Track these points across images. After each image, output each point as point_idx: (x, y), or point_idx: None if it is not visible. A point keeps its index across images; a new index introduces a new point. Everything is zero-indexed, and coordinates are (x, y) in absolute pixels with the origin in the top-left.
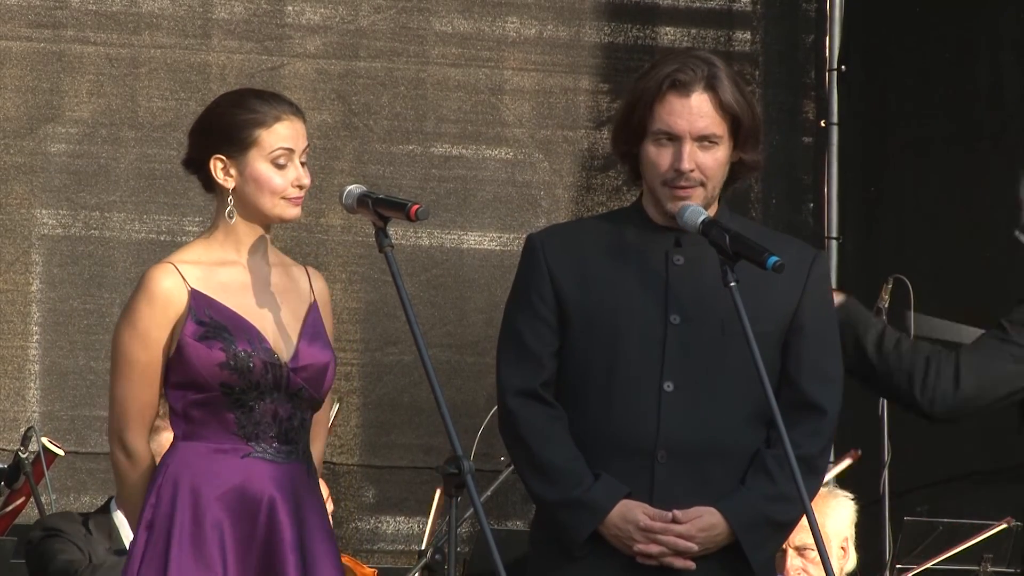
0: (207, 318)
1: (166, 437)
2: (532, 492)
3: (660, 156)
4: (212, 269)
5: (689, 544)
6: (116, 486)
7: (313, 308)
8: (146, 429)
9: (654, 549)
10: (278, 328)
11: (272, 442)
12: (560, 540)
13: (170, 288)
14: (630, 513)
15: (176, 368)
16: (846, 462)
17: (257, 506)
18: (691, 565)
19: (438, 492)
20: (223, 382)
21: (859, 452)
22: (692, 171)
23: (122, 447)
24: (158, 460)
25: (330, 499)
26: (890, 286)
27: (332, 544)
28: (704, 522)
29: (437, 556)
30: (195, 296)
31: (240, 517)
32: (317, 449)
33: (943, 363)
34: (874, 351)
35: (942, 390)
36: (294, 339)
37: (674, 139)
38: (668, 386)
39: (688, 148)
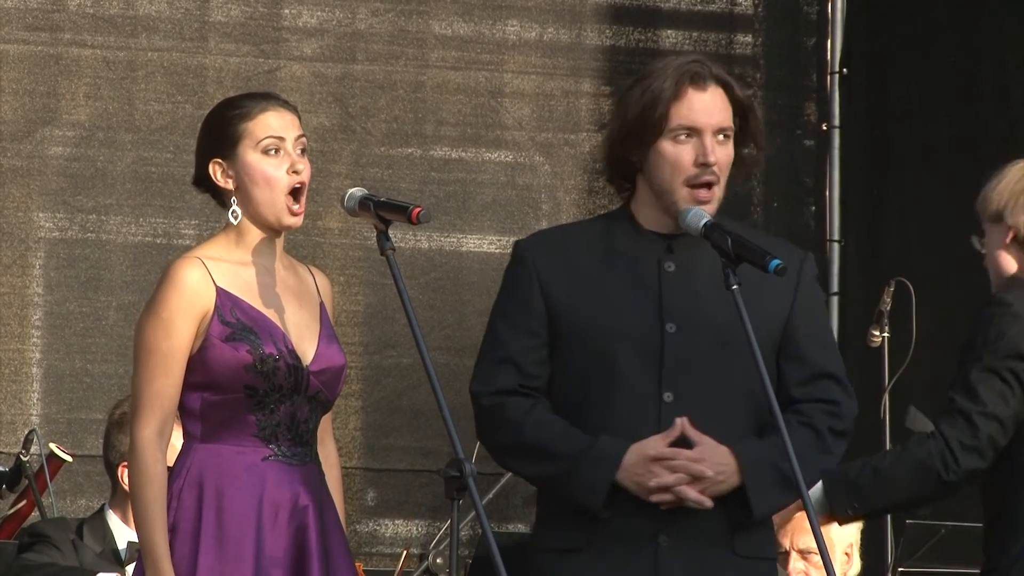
0: (233, 318)
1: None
2: (531, 475)
3: (682, 153)
4: (235, 268)
5: (703, 468)
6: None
7: (323, 309)
8: (157, 421)
9: (669, 479)
10: (300, 330)
11: (288, 444)
12: (580, 507)
13: (197, 281)
14: (642, 449)
15: (197, 368)
16: None
17: (281, 508)
18: (708, 502)
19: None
20: (248, 384)
21: None
22: (715, 164)
23: (131, 438)
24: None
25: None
26: (892, 289)
27: (347, 546)
28: (716, 450)
29: (438, 559)
30: (222, 294)
31: (267, 519)
32: (330, 446)
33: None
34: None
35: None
36: (314, 341)
37: (693, 134)
38: (668, 397)
39: (710, 142)
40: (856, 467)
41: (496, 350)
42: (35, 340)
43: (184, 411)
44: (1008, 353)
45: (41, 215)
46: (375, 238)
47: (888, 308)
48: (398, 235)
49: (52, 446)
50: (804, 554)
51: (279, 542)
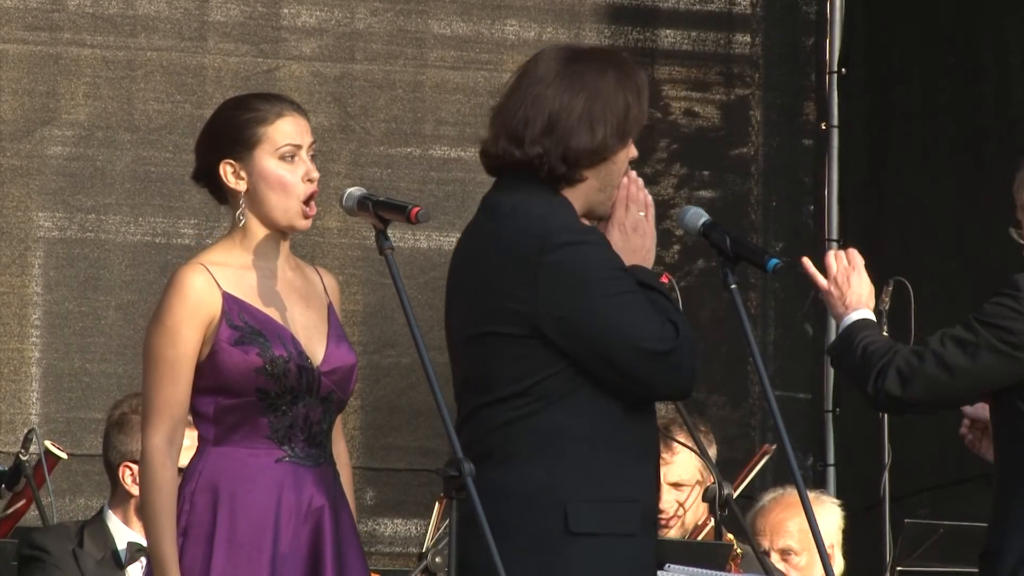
0: (241, 322)
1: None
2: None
3: (631, 150)
4: (240, 272)
5: None
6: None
7: (331, 309)
8: (167, 428)
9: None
10: (308, 332)
11: (302, 445)
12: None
13: (202, 288)
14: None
15: (207, 373)
16: (763, 460)
17: (296, 510)
18: None
19: (438, 505)
20: (259, 387)
21: (772, 447)
22: None
23: (142, 446)
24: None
25: None
26: (891, 289)
27: (361, 548)
28: None
29: (437, 559)
30: (228, 299)
31: (284, 521)
32: (341, 446)
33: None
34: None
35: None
36: (323, 342)
37: None
38: None
39: None
40: (880, 342)
41: (652, 319)
42: (34, 339)
43: (197, 415)
44: (995, 323)
45: (40, 215)
46: (374, 237)
47: (887, 308)
48: (397, 234)
49: (47, 443)
50: (784, 554)
51: (294, 544)
